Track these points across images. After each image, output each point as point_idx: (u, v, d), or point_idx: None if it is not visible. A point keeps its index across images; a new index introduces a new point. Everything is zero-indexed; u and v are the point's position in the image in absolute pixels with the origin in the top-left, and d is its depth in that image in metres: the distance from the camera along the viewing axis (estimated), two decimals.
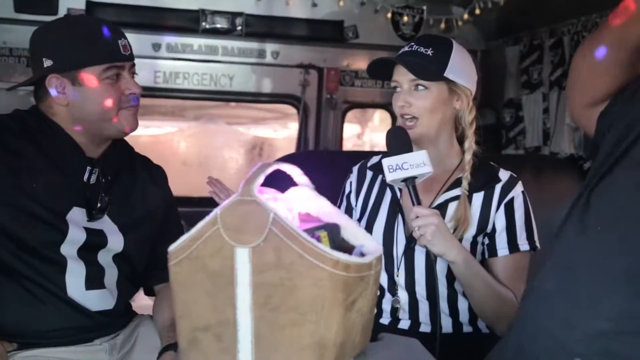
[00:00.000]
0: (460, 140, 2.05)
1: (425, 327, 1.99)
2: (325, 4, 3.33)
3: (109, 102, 1.83)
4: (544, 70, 3.14)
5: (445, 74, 1.91)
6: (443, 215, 1.93)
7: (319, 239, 1.23)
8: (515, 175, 2.01)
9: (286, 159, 2.48)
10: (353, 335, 1.19)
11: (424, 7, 3.41)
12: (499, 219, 1.96)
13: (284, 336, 1.13)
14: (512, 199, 1.96)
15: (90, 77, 1.82)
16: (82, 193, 1.86)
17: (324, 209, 1.34)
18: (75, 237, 1.82)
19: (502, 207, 1.96)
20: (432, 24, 3.44)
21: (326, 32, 3.35)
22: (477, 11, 3.22)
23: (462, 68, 1.96)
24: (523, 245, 1.94)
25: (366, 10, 3.38)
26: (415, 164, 1.76)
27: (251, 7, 3.28)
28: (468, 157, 1.98)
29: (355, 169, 2.21)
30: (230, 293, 1.14)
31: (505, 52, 3.38)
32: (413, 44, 1.98)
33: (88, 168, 1.88)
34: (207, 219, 1.17)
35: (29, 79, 1.91)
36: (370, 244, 1.27)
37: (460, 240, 1.93)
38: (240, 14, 3.28)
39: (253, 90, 3.53)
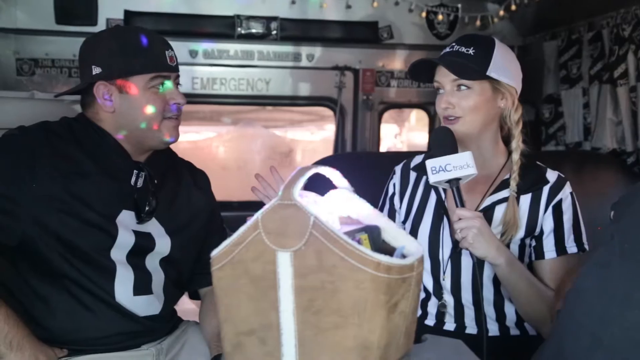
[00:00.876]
0: (506, 140, 2.01)
1: (471, 329, 1.97)
2: (359, 6, 3.33)
3: (152, 111, 1.86)
4: (583, 65, 3.09)
5: (487, 73, 1.88)
6: (490, 218, 1.91)
7: (359, 242, 1.23)
8: (562, 176, 1.98)
9: (324, 161, 2.48)
10: (397, 337, 1.18)
11: (459, 5, 3.39)
12: (547, 221, 1.92)
13: (327, 339, 1.14)
14: (560, 201, 1.92)
15: (136, 86, 1.85)
16: (131, 196, 1.88)
17: (364, 211, 1.33)
18: (124, 240, 1.85)
19: (550, 209, 1.92)
20: (467, 21, 3.42)
21: (361, 34, 3.35)
22: (513, 7, 3.18)
23: (505, 66, 1.92)
24: (571, 247, 1.91)
25: (400, 10, 3.36)
26: (459, 165, 1.73)
27: (285, 11, 3.29)
28: (516, 156, 1.94)
29: (397, 169, 2.19)
30: (273, 297, 1.15)
31: (543, 47, 3.33)
32: (454, 44, 1.95)
33: (135, 172, 1.90)
34: (248, 223, 1.18)
35: (77, 86, 1.95)
36: (412, 245, 1.26)
37: (508, 243, 1.91)
38: (275, 19, 3.29)
39: (289, 93, 3.55)
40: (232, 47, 3.37)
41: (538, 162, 2.01)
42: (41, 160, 1.78)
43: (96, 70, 1.86)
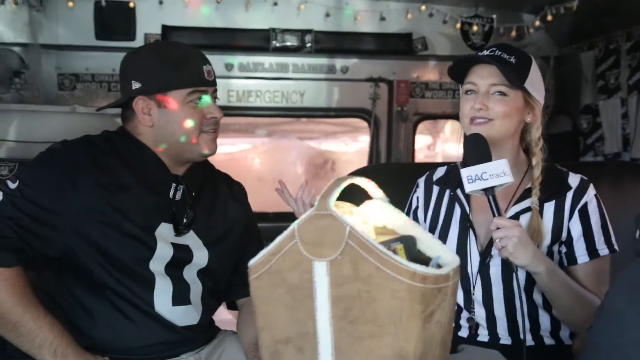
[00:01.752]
0: (525, 151, 2.00)
1: (505, 340, 1.96)
2: (393, 18, 3.34)
3: (190, 125, 1.88)
4: (622, 75, 3.06)
5: (525, 84, 1.87)
6: (520, 224, 1.89)
7: (395, 252, 1.23)
8: (585, 178, 1.95)
9: (359, 172, 2.48)
10: (433, 347, 1.18)
11: (494, 16, 3.37)
12: (574, 226, 1.90)
13: (364, 348, 1.14)
14: (585, 204, 1.90)
15: (174, 100, 1.88)
16: (169, 209, 1.91)
17: (399, 222, 1.34)
18: (163, 252, 1.87)
19: (576, 213, 1.90)
20: (503, 32, 3.40)
21: (395, 45, 3.36)
22: (549, 17, 3.16)
23: (538, 82, 1.93)
24: (602, 250, 1.89)
25: (435, 22, 3.36)
26: (495, 173, 1.71)
27: (320, 24, 3.31)
28: (537, 172, 1.92)
29: (421, 182, 2.17)
30: (310, 306, 1.16)
31: (580, 57, 3.30)
32: (495, 49, 1.93)
33: (173, 185, 1.93)
34: (285, 233, 1.19)
35: (117, 100, 1.98)
36: (447, 255, 1.27)
37: None
38: (309, 31, 3.32)
39: (324, 105, 3.56)
40: (267, 59, 3.40)
41: (559, 167, 1.99)
42: (83, 173, 1.82)
43: (135, 85, 1.89)
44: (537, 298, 1.92)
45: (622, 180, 2.68)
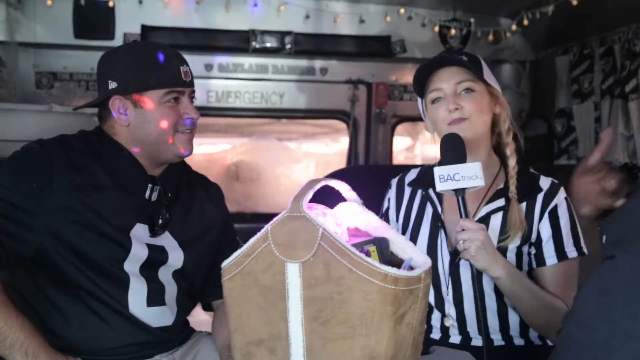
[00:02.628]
0: (496, 150, 2.01)
1: (476, 341, 1.96)
2: (372, 20, 3.35)
3: (166, 125, 1.87)
4: (595, 79, 3.09)
5: (484, 77, 1.89)
6: (486, 227, 1.90)
7: (367, 253, 1.24)
8: (556, 182, 1.97)
9: (336, 174, 2.50)
10: (404, 348, 1.19)
11: (472, 20, 3.39)
12: (544, 228, 1.92)
13: (335, 350, 1.14)
14: (555, 207, 1.92)
15: (151, 100, 1.87)
16: (144, 210, 1.90)
17: (372, 224, 1.35)
18: (138, 253, 1.86)
19: (546, 215, 1.92)
20: (480, 36, 3.42)
21: (374, 48, 3.36)
22: (526, 22, 3.19)
23: (491, 75, 1.95)
24: (571, 252, 1.90)
25: (413, 25, 3.38)
26: (467, 175, 1.71)
27: (300, 26, 3.32)
28: (512, 162, 1.93)
29: (393, 183, 2.18)
30: (282, 307, 1.16)
31: (555, 62, 3.33)
32: (441, 54, 2.00)
33: (149, 185, 1.92)
34: (258, 235, 1.19)
35: (94, 100, 1.98)
36: (419, 257, 1.27)
37: (505, 250, 1.91)
38: (289, 33, 3.32)
39: (303, 106, 3.57)
40: (247, 60, 3.40)
41: (531, 170, 2.01)
42: (58, 172, 1.80)
43: (112, 84, 1.88)
44: (508, 299, 1.94)
45: None
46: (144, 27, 3.21)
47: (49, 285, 1.82)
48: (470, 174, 1.71)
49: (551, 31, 3.32)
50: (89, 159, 1.87)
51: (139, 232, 1.88)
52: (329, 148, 6.07)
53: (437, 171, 1.72)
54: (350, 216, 1.35)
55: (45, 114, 2.85)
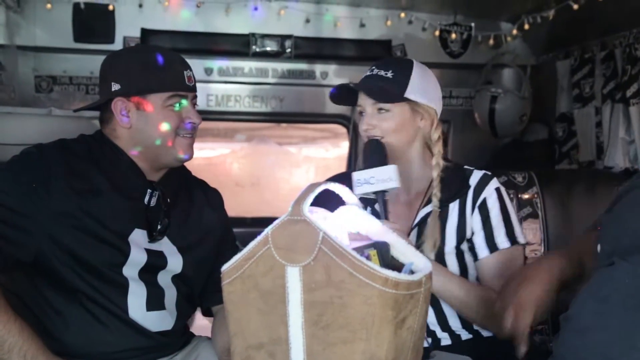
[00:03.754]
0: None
1: (445, 341, 2.00)
2: (373, 24, 3.34)
3: (167, 128, 1.89)
4: (596, 84, 3.09)
5: (405, 95, 1.94)
6: (422, 231, 1.96)
7: (368, 257, 1.24)
8: (488, 174, 2.01)
9: (336, 178, 2.49)
10: (404, 353, 1.19)
11: (472, 24, 3.39)
12: (475, 222, 1.95)
13: (336, 354, 1.14)
14: (484, 200, 1.95)
15: (153, 103, 1.88)
16: (143, 215, 1.91)
17: (373, 228, 1.35)
18: (136, 258, 1.87)
19: (476, 209, 1.95)
20: (481, 40, 3.42)
21: (374, 52, 3.35)
22: (526, 26, 3.19)
23: (423, 88, 1.98)
24: (502, 243, 1.92)
25: (414, 29, 3.38)
26: (381, 179, 1.77)
27: (300, 30, 3.31)
28: (435, 174, 1.98)
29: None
30: (282, 311, 1.16)
31: (556, 66, 3.33)
32: (374, 67, 2.01)
33: (149, 191, 1.93)
34: (259, 238, 1.19)
35: (96, 102, 1.99)
36: (420, 261, 1.27)
37: (442, 254, 1.94)
38: (289, 37, 3.31)
39: (303, 110, 3.56)
40: (247, 64, 3.39)
41: (465, 167, 2.04)
42: (57, 177, 1.81)
43: (115, 86, 1.89)
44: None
45: (595, 188, 2.72)
46: (144, 31, 3.21)
47: (48, 289, 1.82)
48: (384, 177, 1.78)
49: (552, 36, 3.33)
50: (88, 164, 1.88)
51: (138, 238, 1.88)
52: (329, 152, 6.07)
53: (355, 176, 1.81)
54: (351, 220, 1.35)
55: (45, 118, 2.85)
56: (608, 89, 3.00)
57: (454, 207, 1.98)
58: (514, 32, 3.31)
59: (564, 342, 1.37)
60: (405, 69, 1.98)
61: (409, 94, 1.94)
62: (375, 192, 1.79)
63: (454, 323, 2.00)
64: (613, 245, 1.40)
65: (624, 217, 1.43)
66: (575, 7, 2.70)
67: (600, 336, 1.28)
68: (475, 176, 2.00)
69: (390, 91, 1.94)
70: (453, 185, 1.98)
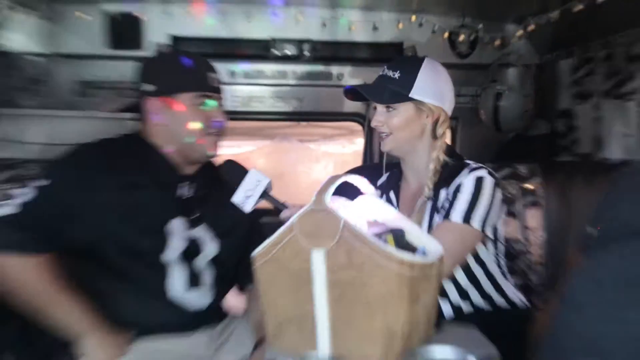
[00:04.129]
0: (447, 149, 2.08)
1: (467, 307, 2.02)
2: (385, 28, 3.33)
3: (196, 125, 1.94)
4: (596, 82, 3.09)
5: (410, 95, 1.97)
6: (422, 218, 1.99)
7: (385, 242, 1.29)
8: (482, 166, 1.99)
9: (354, 171, 2.53)
10: (419, 326, 1.23)
11: (479, 26, 3.37)
12: (447, 200, 1.96)
13: (356, 328, 1.19)
14: (462, 183, 1.95)
15: (182, 103, 1.94)
16: (180, 206, 1.97)
17: (389, 215, 1.39)
18: (176, 244, 1.93)
19: (454, 189, 1.96)
20: (487, 41, 3.40)
21: (387, 53, 3.34)
22: (531, 27, 3.18)
23: (429, 87, 2.00)
24: (455, 217, 1.90)
25: (424, 31, 3.36)
26: (253, 187, 1.75)
27: (317, 34, 3.31)
28: (432, 166, 2.01)
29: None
30: (308, 290, 1.21)
31: (559, 65, 3.33)
32: (385, 67, 2.05)
33: (183, 183, 1.99)
34: (286, 226, 1.24)
35: (131, 103, 2.04)
36: (432, 245, 1.32)
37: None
38: (307, 41, 3.32)
39: (321, 110, 3.55)
40: (268, 67, 3.39)
41: (467, 161, 2.05)
42: (102, 173, 1.87)
43: (149, 88, 1.95)
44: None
45: (594, 178, 2.73)
46: (173, 38, 3.23)
47: (99, 271, 1.89)
48: (254, 184, 1.76)
49: (555, 36, 3.31)
50: (129, 160, 1.94)
51: (177, 226, 1.94)
52: (346, 148, 6.08)
53: (235, 200, 1.77)
54: (369, 208, 1.39)
55: (85, 120, 2.89)
56: (607, 86, 3.00)
57: (443, 193, 1.99)
58: (519, 33, 3.29)
59: (561, 317, 1.40)
60: (414, 69, 2.00)
61: (414, 94, 1.98)
62: (260, 198, 1.78)
63: (454, 297, 2.02)
64: (606, 232, 1.43)
65: (615, 203, 1.46)
66: (577, 9, 2.70)
67: (594, 312, 1.31)
68: (470, 168, 2.00)
69: (396, 92, 1.98)
70: (447, 174, 2.01)
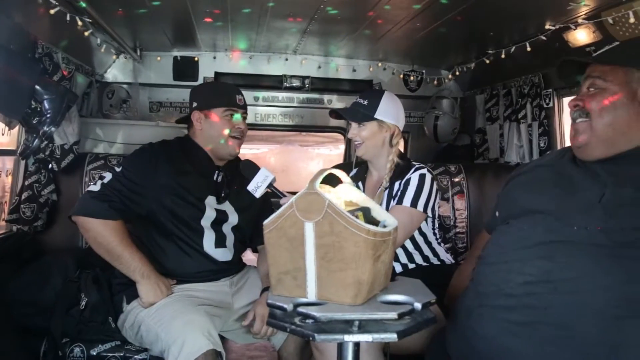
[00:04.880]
0: (400, 156, 2.00)
1: (398, 269, 1.97)
2: (361, 70, 3.30)
3: (224, 131, 1.88)
4: (500, 110, 3.03)
5: (375, 116, 1.91)
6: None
7: (357, 217, 1.22)
8: (423, 166, 1.95)
9: (336, 167, 2.47)
10: (379, 277, 1.17)
11: (424, 70, 3.35)
12: (400, 188, 1.91)
13: (335, 277, 1.12)
14: (410, 178, 1.90)
15: (216, 115, 1.88)
16: (213, 187, 1.89)
17: (360, 198, 1.32)
18: (209, 214, 1.85)
19: (403, 183, 1.91)
20: (429, 81, 3.37)
21: (362, 87, 3.30)
22: (457, 72, 3.13)
23: (388, 111, 1.93)
24: (406, 202, 1.85)
25: (386, 73, 3.33)
26: (262, 179, 1.61)
27: (315, 72, 3.28)
28: (388, 166, 1.96)
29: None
30: (301, 250, 1.14)
31: (475, 98, 3.27)
32: (358, 97, 1.98)
33: (217, 172, 1.91)
34: (287, 204, 1.17)
35: (184, 115, 2.00)
36: (390, 219, 1.25)
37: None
38: (308, 77, 3.28)
39: (316, 124, 3.52)
40: (280, 94, 3.35)
41: (413, 162, 1.99)
42: (161, 163, 1.81)
43: (195, 104, 1.90)
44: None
45: (499, 175, 2.69)
46: (216, 73, 3.19)
47: (155, 233, 1.82)
48: (263, 178, 1.61)
49: (473, 79, 3.27)
50: (180, 154, 1.88)
51: (210, 201, 1.87)
52: (332, 151, 6.06)
53: (249, 187, 1.62)
54: (346, 193, 1.32)
55: (154, 128, 2.85)
56: (507, 113, 2.94)
57: (397, 184, 1.93)
58: (450, 76, 3.25)
59: (477, 271, 1.35)
60: (377, 98, 1.94)
61: (377, 115, 1.91)
62: (266, 188, 1.64)
63: (403, 259, 1.98)
64: (506, 212, 1.41)
65: (512, 194, 1.43)
66: (488, 61, 2.65)
67: (502, 266, 1.27)
68: (414, 167, 1.95)
69: (365, 113, 1.92)
70: (400, 172, 1.95)
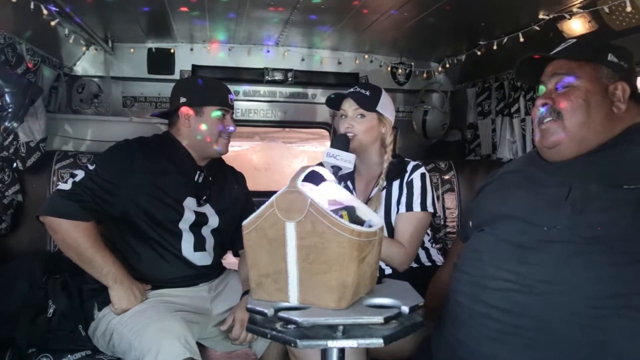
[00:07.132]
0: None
1: (388, 271, 1.97)
2: (346, 62, 3.29)
3: (214, 130, 1.88)
4: (492, 104, 3.06)
5: (377, 108, 1.92)
6: (376, 201, 1.93)
7: (341, 216, 1.22)
8: (419, 164, 1.97)
9: (320, 164, 2.47)
10: (365, 279, 1.17)
11: (412, 63, 3.35)
12: (404, 192, 1.92)
13: (318, 280, 1.12)
14: (412, 179, 1.92)
15: (207, 113, 1.88)
16: (193, 188, 1.88)
17: (344, 196, 1.33)
18: (188, 216, 1.84)
19: (404, 185, 1.92)
20: (418, 74, 3.37)
21: (347, 80, 3.29)
22: (447, 65, 3.15)
23: (387, 106, 1.96)
24: (416, 207, 1.89)
25: (374, 65, 3.33)
26: (343, 159, 1.70)
27: (298, 65, 3.25)
28: (385, 165, 1.96)
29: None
30: (283, 252, 1.14)
31: (467, 92, 3.30)
32: (357, 87, 1.98)
33: (198, 172, 1.90)
34: (267, 203, 1.17)
35: (168, 109, 1.97)
36: (375, 219, 1.25)
37: (390, 215, 1.91)
38: (290, 70, 3.26)
39: (300, 119, 3.50)
40: (262, 88, 3.33)
41: (406, 159, 2.01)
42: (137, 161, 1.79)
43: (183, 99, 1.89)
44: None
45: (490, 171, 2.69)
46: (194, 66, 3.15)
47: (130, 236, 1.80)
48: (346, 159, 1.71)
49: (464, 71, 3.29)
50: (158, 153, 1.87)
51: (189, 203, 1.86)
52: (317, 148, 6.04)
53: (329, 149, 1.72)
54: (330, 191, 1.32)
55: (128, 123, 2.82)
56: (499, 107, 2.97)
57: (395, 184, 1.94)
58: (439, 69, 3.27)
59: (454, 279, 1.38)
60: (378, 92, 1.96)
61: (379, 108, 1.92)
62: (334, 166, 1.72)
63: None
64: (478, 220, 1.45)
65: (482, 201, 1.48)
66: (479, 53, 2.67)
67: (475, 271, 1.31)
68: (411, 165, 1.97)
69: (369, 103, 1.92)
70: (396, 171, 1.95)
